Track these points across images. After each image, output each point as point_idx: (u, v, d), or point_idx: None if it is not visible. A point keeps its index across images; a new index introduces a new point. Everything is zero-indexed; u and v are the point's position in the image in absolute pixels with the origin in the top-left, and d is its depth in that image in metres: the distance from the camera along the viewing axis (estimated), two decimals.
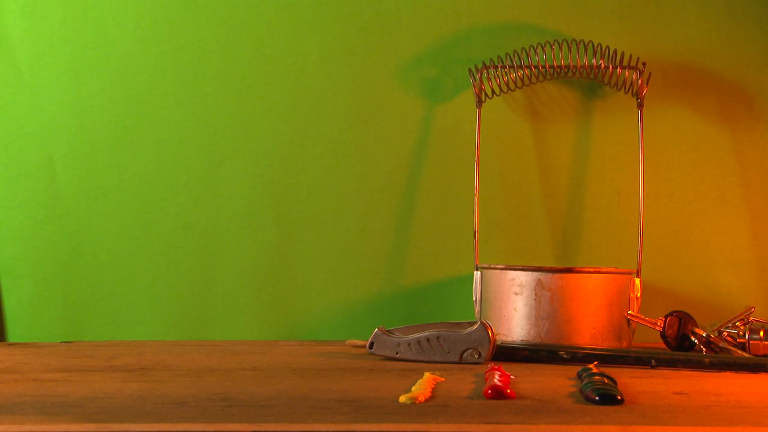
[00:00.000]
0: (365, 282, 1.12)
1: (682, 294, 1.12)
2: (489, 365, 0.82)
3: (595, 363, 0.84)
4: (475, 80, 1.08)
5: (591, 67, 1.06)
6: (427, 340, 0.90)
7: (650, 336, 1.05)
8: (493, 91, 1.09)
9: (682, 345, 1.01)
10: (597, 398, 0.69)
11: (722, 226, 1.13)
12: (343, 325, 1.11)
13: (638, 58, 1.06)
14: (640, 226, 1.05)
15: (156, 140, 1.11)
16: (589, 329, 1.00)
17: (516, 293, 1.01)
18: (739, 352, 0.96)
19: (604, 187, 1.13)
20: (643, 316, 1.01)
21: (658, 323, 1.01)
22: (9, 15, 1.10)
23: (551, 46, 1.07)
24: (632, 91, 1.07)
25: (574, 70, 1.07)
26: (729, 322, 1.00)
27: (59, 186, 1.10)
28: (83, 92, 1.11)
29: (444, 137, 1.13)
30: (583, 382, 0.74)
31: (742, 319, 0.99)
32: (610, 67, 1.06)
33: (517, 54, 1.08)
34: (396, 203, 1.13)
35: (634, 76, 1.06)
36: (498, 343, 0.92)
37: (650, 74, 1.07)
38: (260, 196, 1.12)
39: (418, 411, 0.66)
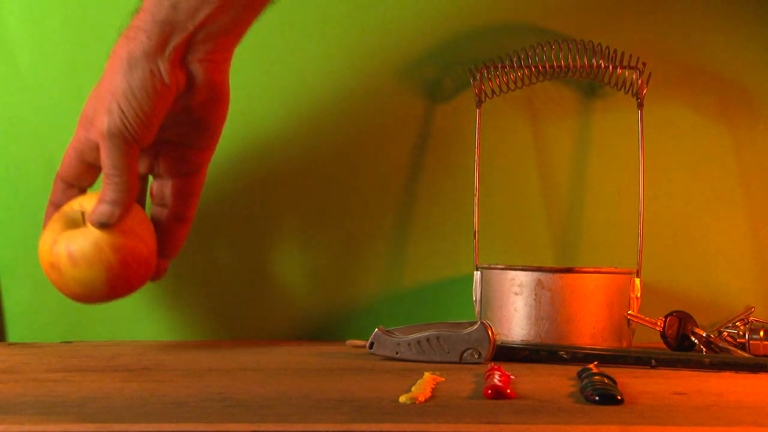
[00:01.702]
0: (365, 282, 1.12)
1: (682, 294, 1.12)
2: (489, 365, 0.82)
3: (595, 363, 0.84)
4: (475, 80, 1.08)
5: (591, 67, 1.06)
6: (427, 340, 0.90)
7: (650, 336, 1.05)
8: (493, 91, 1.09)
9: (682, 345, 1.01)
10: (597, 398, 0.69)
11: (722, 226, 1.13)
12: (343, 325, 1.11)
13: (638, 58, 1.06)
14: (640, 226, 1.05)
15: None
16: (589, 329, 1.00)
17: (516, 293, 1.01)
18: (739, 352, 0.96)
19: (604, 187, 1.13)
20: (643, 316, 1.01)
21: (658, 323, 1.02)
22: (9, 15, 1.10)
23: (551, 46, 1.07)
24: (632, 91, 1.07)
25: (574, 70, 1.07)
26: (729, 322, 1.00)
27: None
28: (83, 92, 1.10)
29: (444, 137, 1.13)
30: (583, 382, 0.74)
31: (742, 319, 0.99)
32: (610, 67, 1.06)
33: (517, 54, 1.08)
34: (396, 203, 1.13)
35: (634, 76, 1.06)
36: (498, 343, 0.92)
37: (650, 74, 1.07)
38: (260, 195, 1.12)
39: (418, 411, 0.66)
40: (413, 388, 0.72)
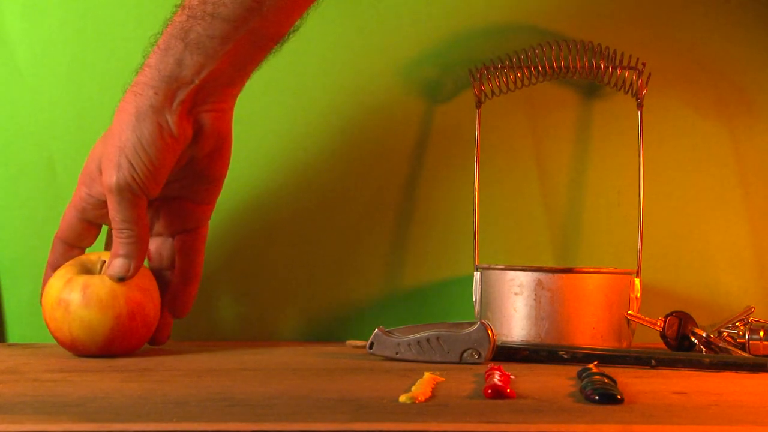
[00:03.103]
0: (365, 282, 1.12)
1: (682, 294, 1.12)
2: (489, 365, 0.82)
3: (595, 363, 0.84)
4: (475, 80, 1.08)
5: (591, 67, 1.06)
6: (427, 340, 0.90)
7: (650, 336, 1.05)
8: (493, 92, 1.09)
9: (682, 345, 1.01)
10: (597, 398, 0.69)
11: (722, 226, 1.13)
12: (343, 325, 1.11)
13: (638, 58, 1.06)
14: (640, 226, 1.05)
15: None
16: (589, 329, 1.00)
17: (516, 293, 1.01)
18: (739, 352, 0.96)
19: (604, 187, 1.13)
20: (643, 316, 1.01)
21: (658, 323, 1.02)
22: (9, 15, 1.10)
23: (551, 47, 1.07)
24: (632, 91, 1.07)
25: (573, 70, 1.07)
26: (729, 322, 1.00)
27: (59, 186, 1.10)
28: (83, 92, 1.11)
29: (444, 137, 1.13)
30: (583, 382, 0.74)
31: (742, 319, 0.99)
32: (610, 67, 1.06)
33: (517, 54, 1.08)
34: (396, 203, 1.12)
35: (633, 77, 1.06)
36: (498, 343, 0.92)
37: (650, 74, 1.07)
38: (259, 195, 1.12)
39: (418, 411, 0.66)
40: (413, 388, 0.72)
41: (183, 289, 0.99)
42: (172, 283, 0.99)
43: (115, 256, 0.92)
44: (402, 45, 1.13)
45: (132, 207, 0.92)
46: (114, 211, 0.92)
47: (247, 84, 1.11)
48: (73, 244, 0.97)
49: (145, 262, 0.97)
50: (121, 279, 0.92)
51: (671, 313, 1.02)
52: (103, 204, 0.94)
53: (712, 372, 0.88)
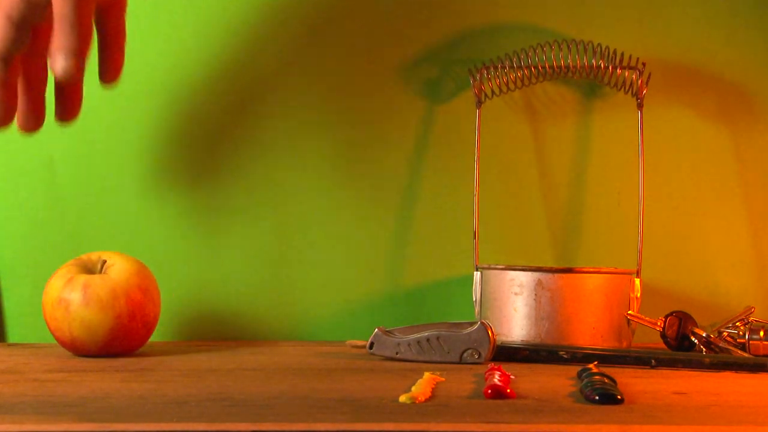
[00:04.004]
0: (365, 282, 1.12)
1: (682, 294, 1.12)
2: (489, 365, 0.82)
3: (595, 363, 0.84)
4: (475, 80, 1.08)
5: (591, 67, 1.06)
6: (427, 340, 0.90)
7: (650, 336, 1.05)
8: (493, 92, 1.09)
9: (682, 345, 1.01)
10: (597, 398, 0.70)
11: (722, 226, 1.13)
12: (343, 325, 1.11)
13: (638, 58, 1.06)
14: (640, 226, 1.05)
15: (155, 140, 1.11)
16: (589, 329, 1.00)
17: (516, 293, 1.01)
18: (739, 352, 0.96)
19: (604, 187, 1.13)
20: (643, 316, 1.01)
21: (658, 323, 1.02)
22: None
23: (551, 46, 1.07)
24: (632, 91, 1.07)
25: (573, 70, 1.07)
26: (729, 322, 1.00)
27: (59, 186, 1.10)
28: (83, 92, 1.10)
29: (444, 137, 1.13)
30: (583, 382, 0.74)
31: (742, 319, 0.99)
32: (610, 67, 1.06)
33: (517, 54, 1.08)
34: (396, 203, 1.13)
35: (633, 77, 1.06)
36: (498, 343, 0.92)
37: (650, 74, 1.07)
38: (260, 196, 1.12)
39: (418, 411, 0.66)
40: (413, 388, 0.72)
41: (111, 57, 0.97)
42: (100, 55, 0.96)
43: (60, 49, 0.87)
44: (402, 45, 1.13)
45: (84, 4, 0.88)
46: (65, 7, 0.87)
47: (247, 84, 1.11)
48: (6, 55, 0.90)
49: (146, 263, 0.97)
50: (72, 77, 0.87)
51: (671, 313, 1.02)
52: (37, 4, 0.88)
53: (712, 372, 0.88)
